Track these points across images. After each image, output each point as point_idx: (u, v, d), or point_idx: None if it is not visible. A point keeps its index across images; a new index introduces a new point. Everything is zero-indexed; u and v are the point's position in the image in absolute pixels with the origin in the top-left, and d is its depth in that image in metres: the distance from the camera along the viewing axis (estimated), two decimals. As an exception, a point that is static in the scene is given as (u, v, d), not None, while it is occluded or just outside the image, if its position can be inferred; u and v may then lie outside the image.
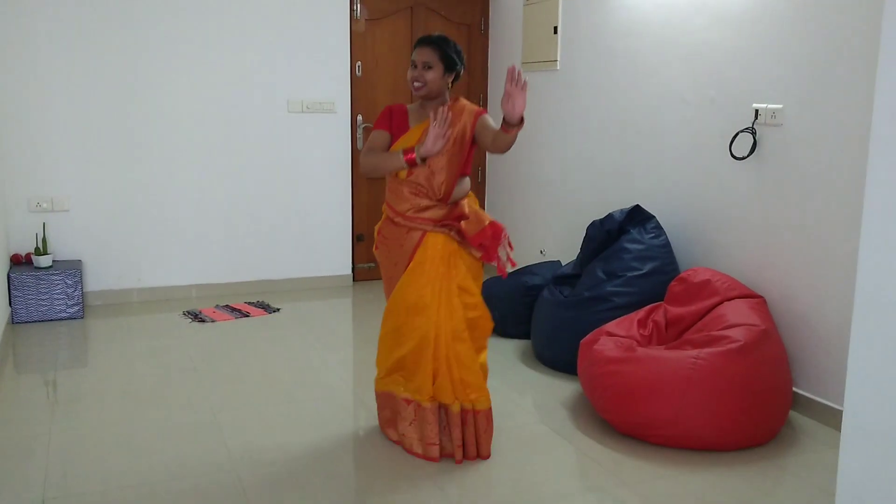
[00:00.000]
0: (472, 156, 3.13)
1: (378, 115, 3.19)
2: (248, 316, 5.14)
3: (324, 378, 4.02)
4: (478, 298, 3.12)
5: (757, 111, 3.70)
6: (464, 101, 3.14)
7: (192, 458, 3.11)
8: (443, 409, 3.09)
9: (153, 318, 5.08)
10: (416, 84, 3.05)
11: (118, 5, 5.11)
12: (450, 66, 3.05)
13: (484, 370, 3.16)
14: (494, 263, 3.10)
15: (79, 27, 5.03)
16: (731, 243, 3.94)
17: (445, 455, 3.11)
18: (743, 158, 3.78)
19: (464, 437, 3.08)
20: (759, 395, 3.17)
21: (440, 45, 3.03)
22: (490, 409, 3.11)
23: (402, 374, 3.13)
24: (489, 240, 3.06)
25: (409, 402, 3.11)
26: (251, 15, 5.46)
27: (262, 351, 4.45)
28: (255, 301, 5.47)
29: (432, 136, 2.86)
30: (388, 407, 3.23)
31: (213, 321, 5.00)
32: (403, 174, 3.05)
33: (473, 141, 3.06)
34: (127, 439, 3.26)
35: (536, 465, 3.11)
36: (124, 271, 5.39)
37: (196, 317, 5.07)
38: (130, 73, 5.21)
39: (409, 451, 3.13)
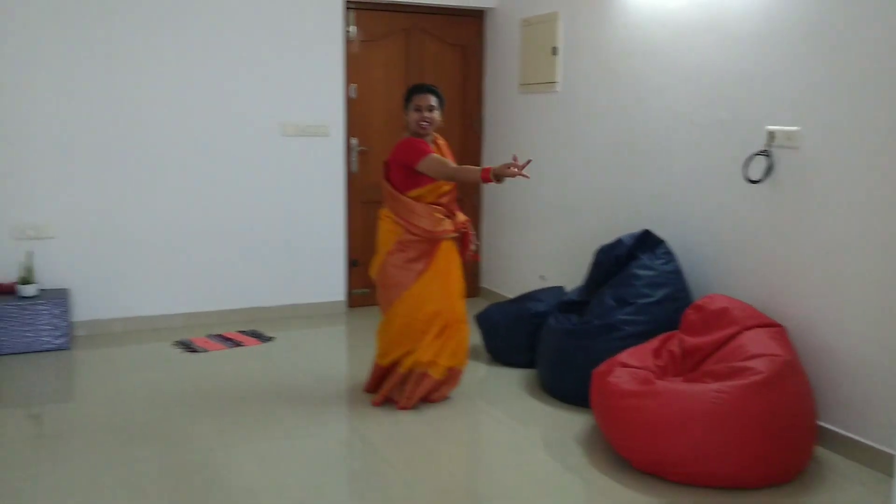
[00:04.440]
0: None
1: (417, 146, 3.70)
2: (241, 345, 4.96)
3: (321, 413, 3.85)
4: None
5: (772, 133, 3.60)
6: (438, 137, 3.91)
7: (188, 500, 2.93)
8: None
9: (143, 348, 4.89)
10: (423, 124, 3.75)
11: (104, 27, 4.95)
12: (442, 107, 3.83)
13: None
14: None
15: (62, 49, 4.86)
16: (746, 269, 3.82)
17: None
18: (758, 182, 3.68)
19: None
20: (785, 430, 3.03)
21: (437, 93, 3.81)
22: None
23: None
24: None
25: None
26: (244, 36, 5.32)
27: (257, 383, 4.27)
28: (247, 330, 5.29)
29: (509, 172, 3.40)
30: None
31: (205, 351, 4.82)
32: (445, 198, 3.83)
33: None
34: (119, 480, 3.07)
35: (553, 505, 2.96)
36: (113, 300, 5.19)
37: (188, 347, 4.88)
38: (117, 97, 5.05)
39: None
